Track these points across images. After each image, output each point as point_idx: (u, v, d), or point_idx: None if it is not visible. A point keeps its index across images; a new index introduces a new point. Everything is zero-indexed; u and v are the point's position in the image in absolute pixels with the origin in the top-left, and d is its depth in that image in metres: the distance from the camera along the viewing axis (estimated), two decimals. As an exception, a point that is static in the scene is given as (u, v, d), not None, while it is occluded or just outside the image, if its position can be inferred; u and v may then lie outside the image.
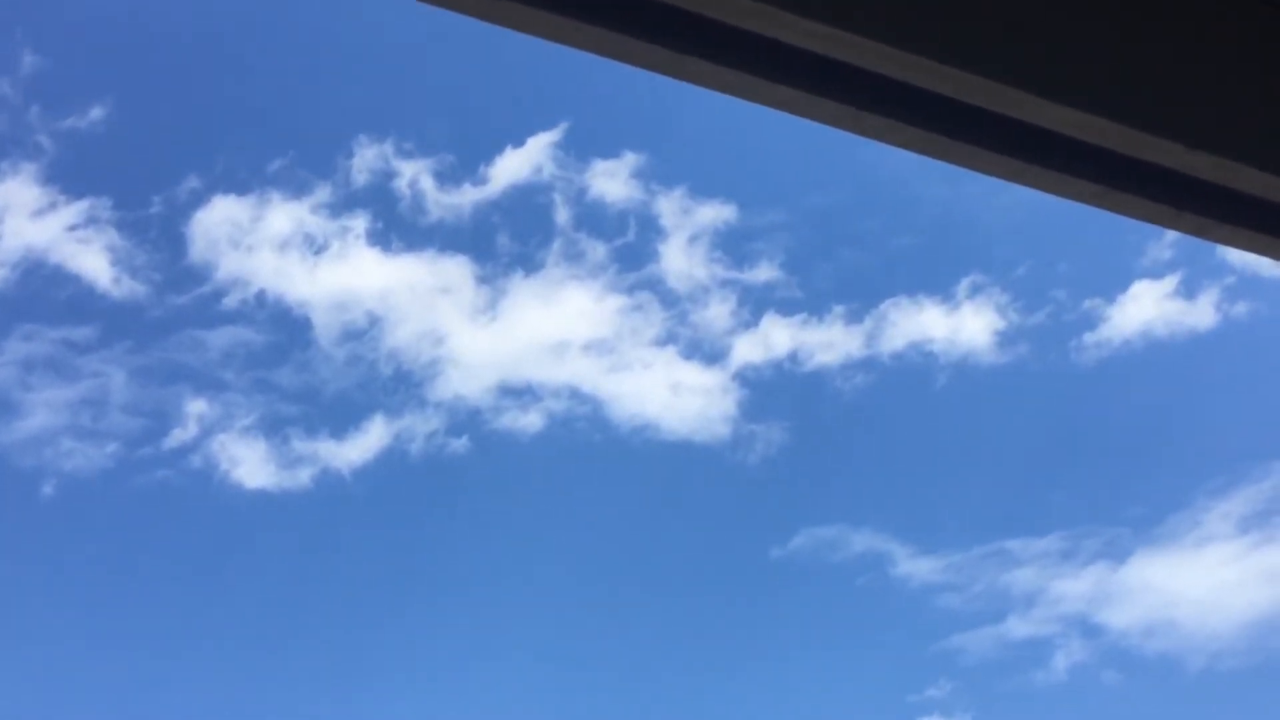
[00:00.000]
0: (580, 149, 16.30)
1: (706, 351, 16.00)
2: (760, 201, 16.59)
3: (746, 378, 15.94)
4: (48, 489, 15.27)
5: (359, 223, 15.93)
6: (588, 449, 16.12)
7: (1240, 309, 15.67)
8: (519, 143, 16.39)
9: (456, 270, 16.03)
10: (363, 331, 15.94)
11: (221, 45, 17.07)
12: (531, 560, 16.08)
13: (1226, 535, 15.06)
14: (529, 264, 16.15)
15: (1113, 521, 15.69)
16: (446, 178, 16.16)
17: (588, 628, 16.03)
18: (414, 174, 16.05)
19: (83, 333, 15.57)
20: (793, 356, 15.96)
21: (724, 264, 16.08)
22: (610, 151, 16.41)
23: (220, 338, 15.79)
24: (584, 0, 1.46)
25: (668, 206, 16.18)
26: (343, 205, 16.03)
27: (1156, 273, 16.28)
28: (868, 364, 16.08)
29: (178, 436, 15.49)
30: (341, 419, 15.91)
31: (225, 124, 16.88)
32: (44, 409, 15.35)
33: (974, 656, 15.25)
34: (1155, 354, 15.92)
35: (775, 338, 16.01)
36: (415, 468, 15.92)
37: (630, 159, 16.21)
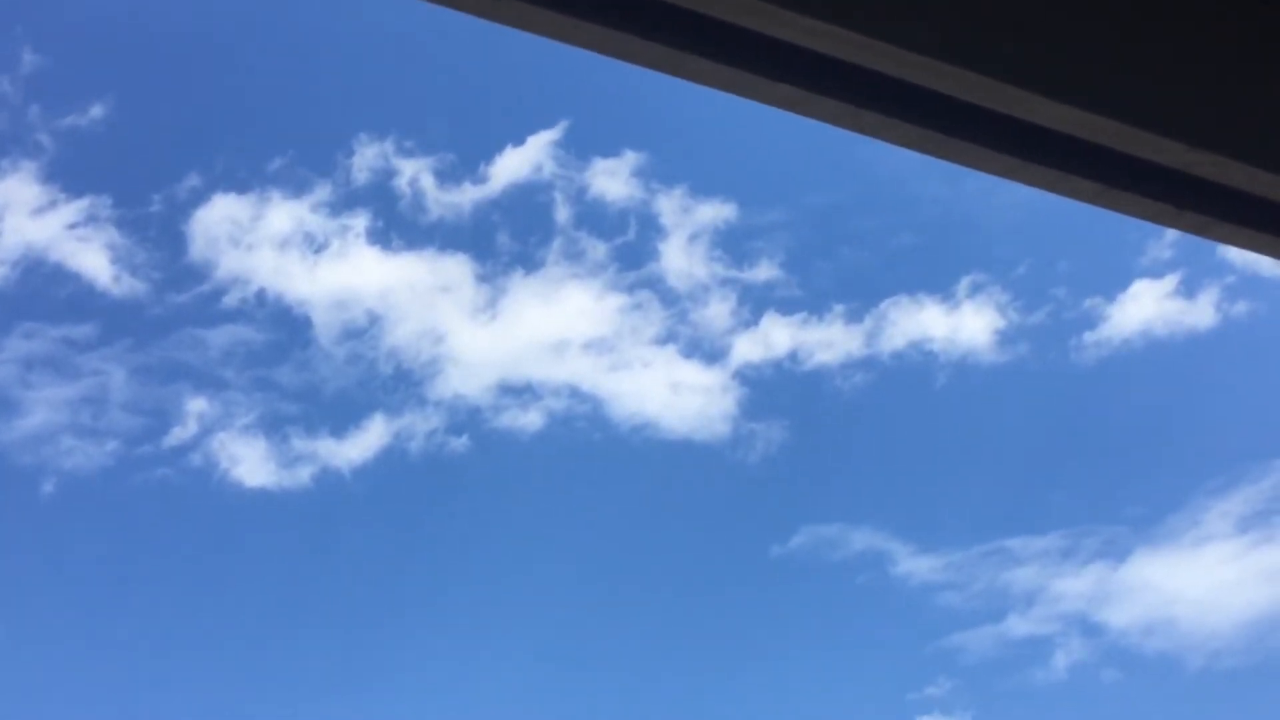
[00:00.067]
0: (580, 148, 16.32)
1: (706, 350, 16.02)
2: (760, 200, 16.61)
3: (746, 376, 15.96)
4: (48, 487, 15.29)
5: (359, 221, 15.96)
6: (588, 448, 16.14)
7: (1240, 308, 15.69)
8: (519, 141, 16.41)
9: (456, 269, 16.04)
10: (363, 330, 15.95)
11: (221, 44, 17.08)
12: (531, 559, 16.09)
13: (1225, 535, 15.07)
14: (529, 263, 16.17)
15: (1112, 521, 15.71)
16: (447, 176, 16.18)
17: (588, 627, 16.04)
18: (414, 173, 16.07)
19: (83, 331, 15.59)
20: (793, 355, 15.98)
21: (724, 263, 16.10)
22: (610, 150, 16.44)
23: (220, 336, 15.80)
24: (584, -2, 1.46)
25: (668, 205, 16.20)
26: (343, 204, 16.05)
27: (1156, 272, 16.30)
28: (868, 363, 16.10)
29: (178, 435, 15.52)
30: (341, 418, 15.93)
31: (225, 122, 16.89)
32: (44, 407, 15.36)
33: (974, 655, 15.26)
34: (1155, 353, 15.93)
35: (775, 337, 16.03)
36: (415, 466, 15.93)
37: (630, 158, 16.23)
